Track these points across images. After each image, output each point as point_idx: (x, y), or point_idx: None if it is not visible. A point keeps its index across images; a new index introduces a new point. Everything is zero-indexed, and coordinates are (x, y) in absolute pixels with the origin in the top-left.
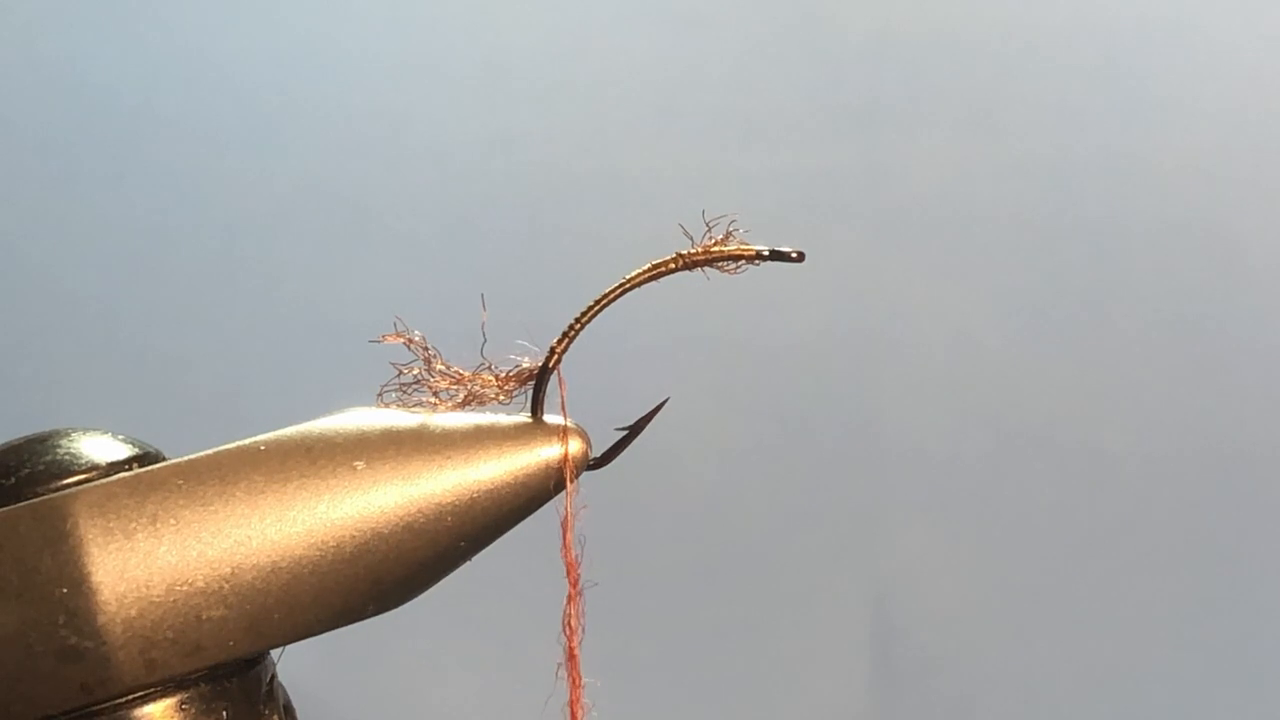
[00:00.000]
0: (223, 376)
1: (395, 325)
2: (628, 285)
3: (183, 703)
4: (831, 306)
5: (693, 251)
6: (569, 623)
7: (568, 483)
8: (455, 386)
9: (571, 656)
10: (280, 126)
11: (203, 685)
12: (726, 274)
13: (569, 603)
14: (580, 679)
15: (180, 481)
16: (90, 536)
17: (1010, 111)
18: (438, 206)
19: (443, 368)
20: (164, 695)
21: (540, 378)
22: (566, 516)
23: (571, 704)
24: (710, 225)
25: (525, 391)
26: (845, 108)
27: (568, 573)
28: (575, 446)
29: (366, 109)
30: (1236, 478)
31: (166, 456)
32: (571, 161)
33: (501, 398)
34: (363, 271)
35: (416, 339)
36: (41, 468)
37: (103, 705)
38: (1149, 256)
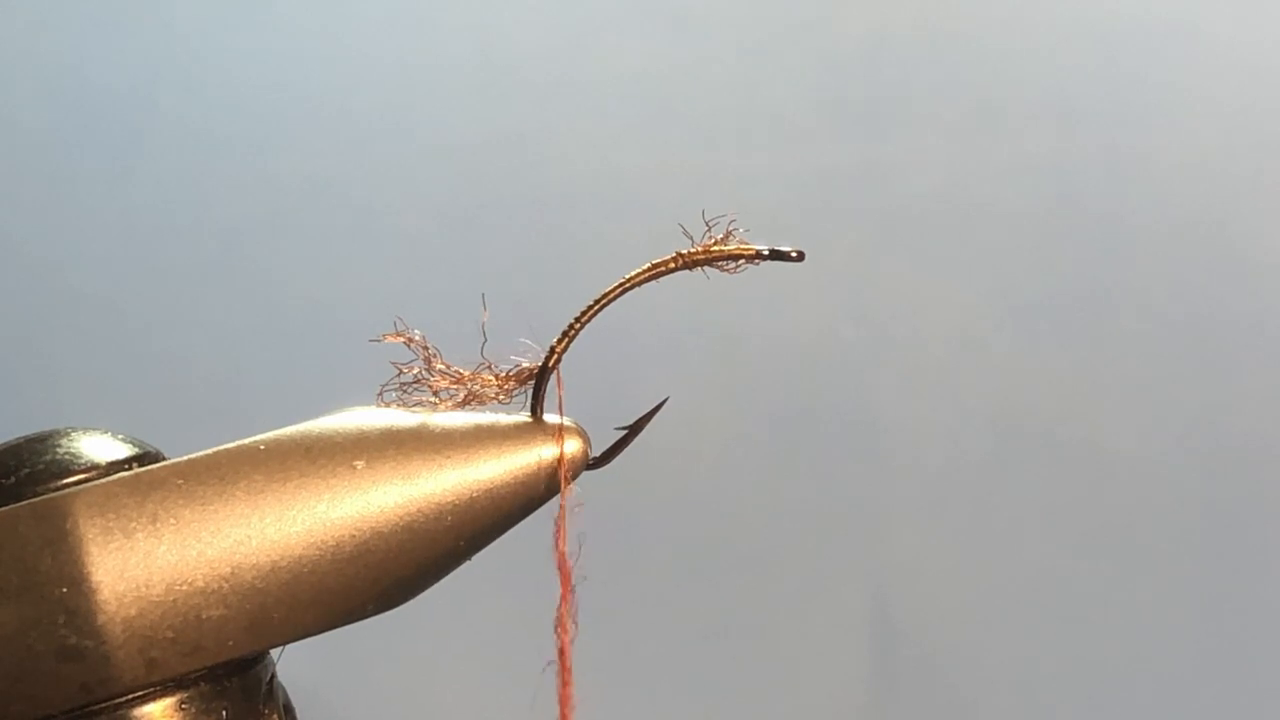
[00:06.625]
0: (223, 376)
1: (395, 325)
2: (628, 285)
3: (182, 702)
4: (831, 306)
5: (693, 251)
6: (562, 623)
7: (562, 483)
8: (455, 386)
9: (563, 653)
10: (280, 126)
11: (203, 685)
12: (726, 273)
13: (562, 603)
14: (570, 677)
15: (180, 481)
16: (90, 536)
17: (1010, 111)
18: (437, 206)
19: (443, 367)
20: (164, 695)
21: (540, 377)
22: (561, 516)
23: (561, 702)
24: (710, 225)
25: (525, 391)
26: (845, 108)
27: (560, 573)
28: (574, 446)
29: (367, 108)
30: (1238, 477)
31: (166, 456)
32: (571, 161)
33: (501, 397)
34: (363, 271)
35: (416, 339)
36: (41, 467)
37: (102, 705)
38: (1150, 256)
